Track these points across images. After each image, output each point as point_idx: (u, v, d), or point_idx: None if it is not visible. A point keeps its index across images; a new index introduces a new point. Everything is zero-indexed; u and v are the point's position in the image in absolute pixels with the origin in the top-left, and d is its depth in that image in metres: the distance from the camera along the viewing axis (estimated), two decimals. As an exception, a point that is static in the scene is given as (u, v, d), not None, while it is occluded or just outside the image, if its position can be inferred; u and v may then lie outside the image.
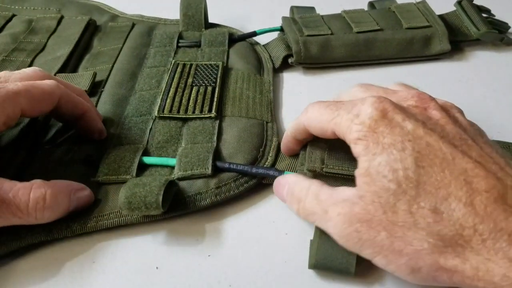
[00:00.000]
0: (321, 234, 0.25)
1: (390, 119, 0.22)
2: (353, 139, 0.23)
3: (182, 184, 0.29)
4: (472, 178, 0.20)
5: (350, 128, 0.23)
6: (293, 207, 0.26)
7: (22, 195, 0.24)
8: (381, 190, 0.21)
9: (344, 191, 0.23)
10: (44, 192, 0.24)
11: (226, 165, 0.30)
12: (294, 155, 0.31)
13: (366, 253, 0.22)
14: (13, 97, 0.25)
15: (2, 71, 0.39)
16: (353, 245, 0.22)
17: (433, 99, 0.25)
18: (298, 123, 0.28)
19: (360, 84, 0.28)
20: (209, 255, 0.27)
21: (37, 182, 0.25)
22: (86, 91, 0.35)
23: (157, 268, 0.26)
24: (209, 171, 0.29)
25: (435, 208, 0.20)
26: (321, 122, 0.25)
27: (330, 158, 0.28)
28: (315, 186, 0.25)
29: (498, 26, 0.44)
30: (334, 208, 0.23)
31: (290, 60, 0.41)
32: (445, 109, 0.24)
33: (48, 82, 0.28)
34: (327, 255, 0.24)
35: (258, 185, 0.30)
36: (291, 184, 0.26)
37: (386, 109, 0.23)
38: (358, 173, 0.23)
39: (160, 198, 0.26)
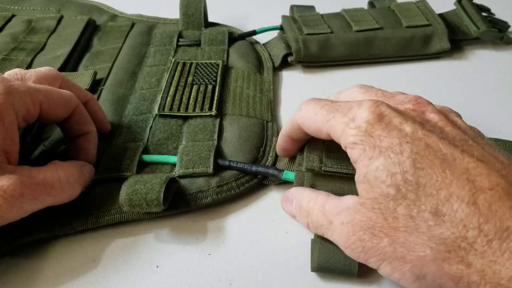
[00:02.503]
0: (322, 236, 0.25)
1: (387, 123, 0.22)
2: (349, 143, 0.22)
3: (183, 182, 0.29)
4: (475, 176, 0.19)
5: (345, 132, 0.23)
6: (303, 221, 0.26)
7: (52, 175, 0.25)
8: (380, 196, 0.21)
9: (347, 200, 0.23)
10: (68, 169, 0.26)
11: (227, 163, 0.30)
12: (290, 156, 0.30)
13: (372, 262, 0.22)
14: (34, 93, 0.26)
15: (2, 70, 0.39)
16: (358, 254, 0.22)
17: (430, 103, 0.24)
18: (293, 121, 0.27)
19: (360, 85, 0.27)
20: (209, 254, 0.27)
21: (57, 162, 0.26)
22: (86, 89, 0.35)
23: (157, 266, 0.26)
24: (210, 170, 0.29)
25: (436, 210, 0.19)
26: (316, 122, 0.25)
27: (329, 157, 0.27)
28: (321, 197, 0.24)
29: (498, 25, 0.44)
30: (338, 217, 0.23)
31: (289, 59, 0.41)
32: (443, 112, 0.24)
33: (66, 91, 0.28)
34: (329, 257, 0.24)
35: (258, 184, 0.30)
36: (298, 197, 0.26)
37: (383, 113, 0.22)
38: (357, 179, 0.22)
39: (161, 195, 0.26)
